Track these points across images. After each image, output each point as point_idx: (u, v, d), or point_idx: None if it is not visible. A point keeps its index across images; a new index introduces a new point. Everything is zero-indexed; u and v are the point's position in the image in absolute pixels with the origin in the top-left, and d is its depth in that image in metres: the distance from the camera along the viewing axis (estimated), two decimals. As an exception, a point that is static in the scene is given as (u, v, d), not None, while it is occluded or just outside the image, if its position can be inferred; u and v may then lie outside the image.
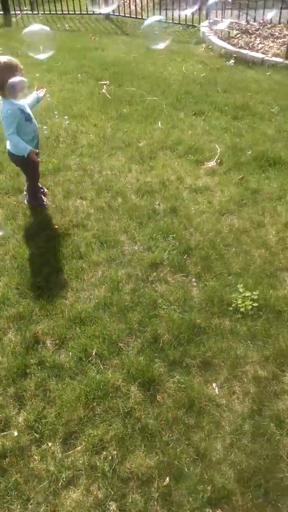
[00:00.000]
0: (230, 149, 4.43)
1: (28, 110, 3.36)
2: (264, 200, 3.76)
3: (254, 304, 2.73)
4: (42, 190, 3.87)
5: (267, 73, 6.22)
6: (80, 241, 3.33)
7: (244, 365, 2.43)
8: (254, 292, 2.81)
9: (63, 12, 10.31)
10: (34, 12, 10.59)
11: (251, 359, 2.47)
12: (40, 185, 3.89)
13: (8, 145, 3.44)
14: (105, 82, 6.14)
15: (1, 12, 10.66)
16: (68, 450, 2.10)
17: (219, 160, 4.26)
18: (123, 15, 9.85)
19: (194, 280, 2.99)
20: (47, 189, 3.93)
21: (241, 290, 2.83)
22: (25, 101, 3.36)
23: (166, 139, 4.67)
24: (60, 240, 3.34)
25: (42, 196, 3.78)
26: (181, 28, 8.67)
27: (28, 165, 3.50)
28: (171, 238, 3.35)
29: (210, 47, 7.29)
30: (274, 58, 6.46)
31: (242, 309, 2.72)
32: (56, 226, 3.48)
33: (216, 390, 2.31)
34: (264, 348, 2.52)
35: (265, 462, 2.03)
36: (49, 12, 10.45)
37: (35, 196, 3.71)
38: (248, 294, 2.79)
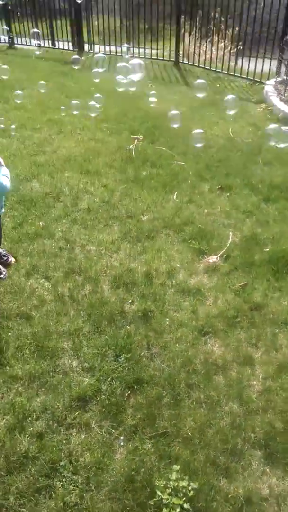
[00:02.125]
0: (245, 241, 3.60)
1: None
2: (264, 322, 2.87)
3: (185, 506, 1.87)
4: (6, 258, 3.31)
5: None
6: (13, 340, 2.67)
7: None
8: (192, 483, 1.95)
9: (133, 55, 10.14)
10: (105, 52, 10.52)
11: None
12: (4, 252, 3.33)
13: None
14: (138, 137, 5.60)
15: (75, 49, 10.77)
16: None
17: (225, 255, 3.44)
18: (192, 63, 9.44)
19: (122, 438, 2.18)
20: (14, 258, 3.36)
21: (173, 476, 1.97)
22: None
23: (174, 216, 3.94)
24: (-10, 334, 2.71)
25: (1, 267, 3.20)
26: (247, 83, 8.03)
27: None
28: (123, 358, 2.58)
29: (269, 108, 6.53)
30: None
31: (164, 510, 1.86)
32: (-5, 314, 2.87)
33: None
34: None
35: None
36: (120, 53, 10.35)
37: None
38: (183, 483, 1.94)
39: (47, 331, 2.74)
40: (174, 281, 3.22)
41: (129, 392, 2.39)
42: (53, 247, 3.53)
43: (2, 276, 3.16)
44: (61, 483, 1.97)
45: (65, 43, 10.91)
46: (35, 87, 7.71)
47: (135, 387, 2.42)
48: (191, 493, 1.91)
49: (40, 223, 3.80)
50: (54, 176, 4.55)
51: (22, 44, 11.46)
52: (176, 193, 4.31)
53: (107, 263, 3.38)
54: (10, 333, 2.72)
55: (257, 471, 2.07)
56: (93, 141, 5.52)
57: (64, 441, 2.14)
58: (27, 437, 2.14)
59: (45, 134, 5.64)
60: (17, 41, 11.46)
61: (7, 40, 11.26)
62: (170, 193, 4.33)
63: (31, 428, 2.18)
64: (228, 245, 3.54)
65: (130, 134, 5.68)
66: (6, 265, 3.29)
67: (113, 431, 2.20)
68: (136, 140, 5.49)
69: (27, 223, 3.81)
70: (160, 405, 2.34)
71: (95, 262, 3.37)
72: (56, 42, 11.22)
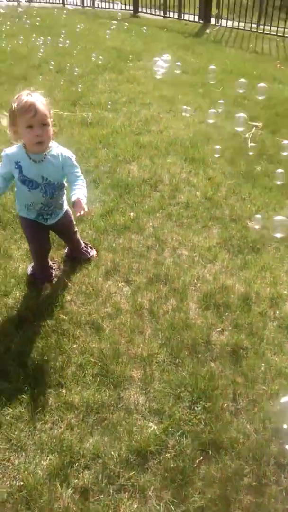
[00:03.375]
0: None
1: (35, 177, 2.36)
2: None
3: None
4: (86, 254, 2.92)
5: None
6: (77, 354, 2.29)
7: None
8: None
9: (264, 31, 9.20)
10: (233, 26, 9.68)
11: None
12: (84, 248, 2.93)
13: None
14: (257, 124, 4.87)
15: (201, 21, 10.11)
16: None
17: None
18: None
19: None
20: (96, 252, 2.97)
21: None
22: (78, 192, 2.39)
23: (289, 227, 3.25)
24: (41, 340, 2.34)
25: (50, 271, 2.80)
26: None
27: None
28: (201, 408, 2.06)
29: None
30: None
31: None
32: (64, 316, 2.50)
33: None
34: None
35: None
36: (249, 29, 9.47)
37: (35, 269, 2.78)
38: None
39: (116, 351, 2.31)
40: (278, 312, 2.60)
41: (202, 458, 1.88)
42: (141, 245, 3.08)
43: (51, 278, 2.76)
44: None
45: (191, 16, 10.28)
46: (152, 59, 7.26)
47: (210, 452, 1.90)
48: None
49: (131, 214, 3.37)
50: (155, 161, 4.08)
51: (146, 13, 11.04)
52: (295, 198, 3.60)
53: (198, 274, 2.84)
54: (75, 345, 2.34)
55: None
56: (204, 124, 4.92)
57: (112, 507, 1.71)
58: (70, 490, 1.75)
59: (153, 111, 5.17)
60: (141, 10, 11.08)
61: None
62: None
63: (76, 480, 1.78)
64: None
65: (247, 120, 4.97)
66: (86, 260, 2.91)
67: (173, 508, 1.72)
68: (254, 128, 4.78)
69: (117, 211, 3.40)
70: (238, 485, 1.79)
71: (185, 271, 2.86)
72: (183, 14, 10.64)
